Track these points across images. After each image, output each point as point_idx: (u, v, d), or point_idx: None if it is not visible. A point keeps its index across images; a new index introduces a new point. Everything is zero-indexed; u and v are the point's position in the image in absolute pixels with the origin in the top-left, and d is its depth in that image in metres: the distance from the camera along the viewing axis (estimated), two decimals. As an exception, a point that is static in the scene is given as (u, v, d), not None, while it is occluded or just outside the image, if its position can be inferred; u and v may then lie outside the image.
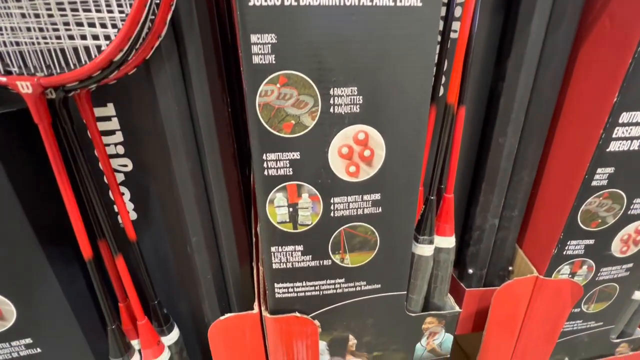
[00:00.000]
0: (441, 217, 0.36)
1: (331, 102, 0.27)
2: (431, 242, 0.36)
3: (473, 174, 0.41)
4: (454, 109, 0.31)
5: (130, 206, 0.36)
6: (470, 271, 0.44)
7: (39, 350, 0.32)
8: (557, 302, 0.43)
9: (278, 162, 0.28)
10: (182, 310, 0.42)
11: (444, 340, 0.42)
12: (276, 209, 0.30)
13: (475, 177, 0.40)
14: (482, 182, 0.39)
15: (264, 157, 0.28)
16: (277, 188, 0.29)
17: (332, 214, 0.31)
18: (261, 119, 0.26)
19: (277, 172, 0.28)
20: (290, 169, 0.28)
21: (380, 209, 0.32)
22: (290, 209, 0.30)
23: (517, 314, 0.44)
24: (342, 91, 0.26)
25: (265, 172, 0.28)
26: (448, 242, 0.37)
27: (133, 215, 0.36)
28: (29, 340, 0.32)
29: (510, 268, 0.45)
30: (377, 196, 0.31)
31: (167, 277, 0.40)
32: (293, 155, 0.28)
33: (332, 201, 0.30)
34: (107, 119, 0.32)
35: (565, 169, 0.37)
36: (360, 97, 0.27)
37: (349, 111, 0.27)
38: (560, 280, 0.41)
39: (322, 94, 0.26)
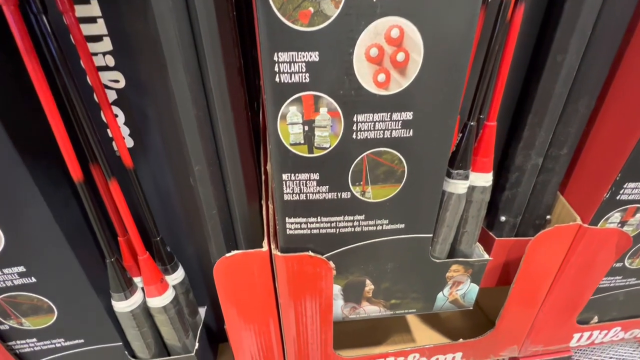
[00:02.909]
0: (479, 150, 0.31)
1: (360, -18, 0.21)
2: (466, 178, 0.31)
3: (517, 101, 0.35)
4: (511, 5, 0.25)
5: (125, 131, 0.32)
6: (503, 218, 0.40)
7: (33, 279, 0.30)
8: (600, 254, 0.38)
9: (292, 64, 0.23)
10: (187, 250, 0.40)
11: (469, 291, 0.39)
12: (289, 126, 0.26)
13: (521, 105, 0.34)
14: (528, 112, 0.33)
15: (275, 58, 0.23)
16: (290, 99, 0.24)
17: (354, 136, 0.26)
18: (272, 2, 0.21)
19: (290, 79, 0.24)
20: (307, 74, 0.24)
21: (411, 132, 0.27)
22: (306, 128, 0.26)
23: (552, 266, 0.40)
24: (374, -33, 0.21)
25: (277, 78, 0.24)
26: (485, 179, 0.32)
27: (129, 142, 0.32)
28: (22, 269, 0.30)
29: (548, 217, 0.40)
30: (408, 115, 0.26)
31: (170, 214, 0.37)
32: (310, 57, 0.23)
33: (355, 119, 0.26)
34: (92, 20, 0.27)
35: (632, 94, 0.31)
36: (397, -24, 0.21)
37: (382, -4, 0.22)
38: (608, 230, 0.36)
39: (349, -29, 0.21)
